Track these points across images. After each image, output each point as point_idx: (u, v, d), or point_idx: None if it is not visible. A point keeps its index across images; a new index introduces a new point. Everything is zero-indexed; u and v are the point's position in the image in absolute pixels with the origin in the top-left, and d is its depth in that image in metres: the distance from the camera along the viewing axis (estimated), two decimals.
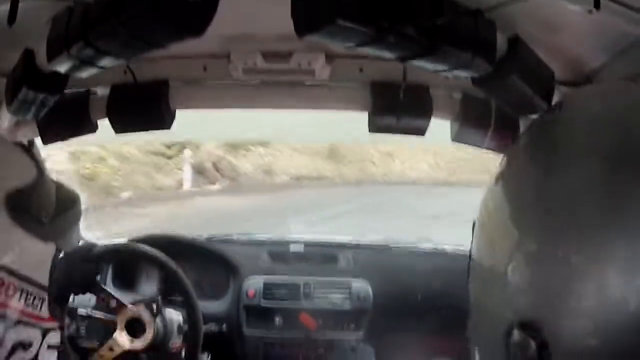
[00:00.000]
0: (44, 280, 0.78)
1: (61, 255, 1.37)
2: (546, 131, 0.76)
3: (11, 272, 0.72)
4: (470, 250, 0.90)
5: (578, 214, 0.65)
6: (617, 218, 0.61)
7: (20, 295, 0.73)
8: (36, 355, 0.74)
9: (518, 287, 0.70)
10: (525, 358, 0.65)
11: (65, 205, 0.99)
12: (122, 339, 1.50)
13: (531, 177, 0.75)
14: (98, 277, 1.61)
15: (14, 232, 0.77)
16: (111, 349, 1.51)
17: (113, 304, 1.52)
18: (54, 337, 0.77)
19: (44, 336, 0.75)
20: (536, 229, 0.70)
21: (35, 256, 0.78)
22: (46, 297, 0.77)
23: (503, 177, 0.81)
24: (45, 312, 0.75)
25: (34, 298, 0.74)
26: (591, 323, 0.61)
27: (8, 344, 0.70)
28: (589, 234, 0.63)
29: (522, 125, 1.19)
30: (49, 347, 0.76)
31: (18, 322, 0.71)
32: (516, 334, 0.66)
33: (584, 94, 0.84)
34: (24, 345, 0.72)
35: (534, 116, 0.87)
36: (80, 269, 1.54)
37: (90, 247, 1.64)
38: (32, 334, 0.73)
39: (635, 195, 0.60)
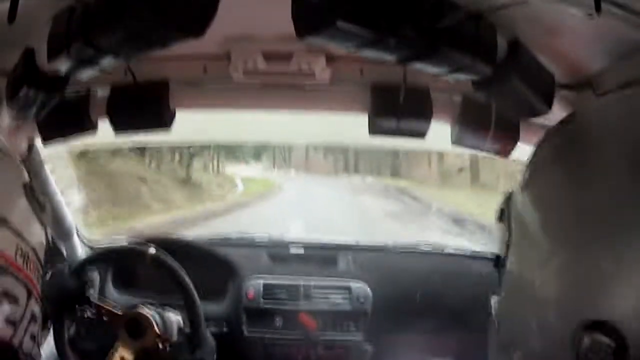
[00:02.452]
0: (32, 239, 0.78)
1: (49, 274, 1.37)
2: (573, 139, 0.77)
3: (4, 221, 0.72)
4: (497, 257, 0.89)
5: (609, 221, 0.65)
6: None
7: (16, 249, 0.73)
8: (22, 315, 0.73)
9: (577, 289, 0.69)
10: None
11: None
12: (129, 347, 1.48)
13: (561, 187, 0.75)
14: (91, 291, 1.59)
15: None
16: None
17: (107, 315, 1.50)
18: (36, 306, 0.76)
19: (28, 298, 0.74)
20: (570, 238, 0.70)
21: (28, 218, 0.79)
22: (31, 255, 0.76)
23: (529, 186, 0.81)
24: (28, 271, 0.75)
25: (23, 252, 0.74)
26: None
27: None
28: (622, 241, 0.63)
29: (522, 128, 1.19)
30: (32, 317, 0.75)
31: (6, 271, 0.70)
32: (587, 338, 0.65)
33: (610, 101, 0.84)
34: (13, 298, 0.71)
35: (556, 123, 0.87)
36: (69, 286, 1.52)
37: (77, 263, 1.62)
38: (18, 290, 0.72)
39: None
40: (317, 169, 18.94)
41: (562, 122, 0.83)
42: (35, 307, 0.76)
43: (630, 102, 0.74)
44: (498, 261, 0.88)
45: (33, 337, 0.75)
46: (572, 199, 0.72)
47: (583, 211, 0.69)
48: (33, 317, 0.75)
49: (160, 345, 1.49)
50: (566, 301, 0.69)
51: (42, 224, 0.82)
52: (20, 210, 0.76)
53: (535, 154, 0.84)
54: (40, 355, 0.78)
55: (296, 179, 17.40)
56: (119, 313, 1.51)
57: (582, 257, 0.67)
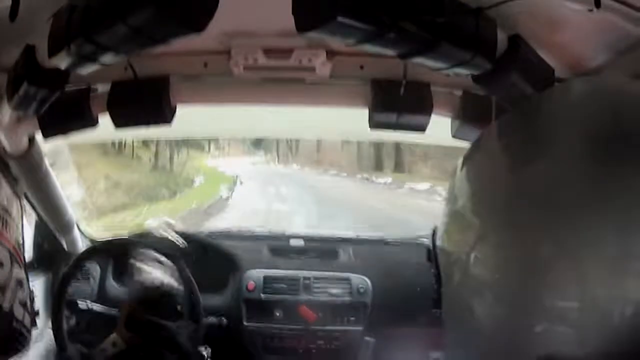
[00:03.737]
0: (7, 205, 0.79)
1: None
2: (525, 119, 0.75)
3: None
4: (432, 238, 0.88)
5: (555, 204, 0.62)
6: (600, 207, 0.58)
7: None
8: (9, 278, 0.74)
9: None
10: None
11: None
12: (124, 335, 1.50)
13: (502, 165, 0.73)
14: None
15: None
16: (114, 344, 1.52)
17: None
18: (20, 273, 0.77)
19: (11, 263, 0.75)
20: (507, 217, 0.67)
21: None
22: (9, 220, 0.77)
23: (471, 163, 0.80)
24: (8, 235, 0.76)
25: (5, 222, 0.75)
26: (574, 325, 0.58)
27: None
28: (566, 225, 0.60)
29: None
30: (18, 282, 0.76)
31: None
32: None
33: (566, 86, 0.83)
34: None
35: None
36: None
37: (78, 255, 1.64)
38: (1, 255, 0.73)
39: (618, 184, 0.58)
40: (330, 163, 16.62)
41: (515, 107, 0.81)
42: (20, 274, 0.76)
43: (585, 89, 0.73)
44: (433, 239, 0.87)
45: (23, 305, 0.76)
46: (513, 177, 0.69)
47: (524, 191, 0.66)
48: (20, 284, 0.75)
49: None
50: (501, 284, 0.66)
51: (16, 192, 0.83)
52: None
53: (482, 133, 0.82)
54: (34, 324, 0.79)
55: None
56: (114, 313, 1.53)
57: (517, 240, 0.65)
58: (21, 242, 0.81)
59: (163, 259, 1.64)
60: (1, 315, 0.72)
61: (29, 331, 0.78)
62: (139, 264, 1.54)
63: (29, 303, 0.78)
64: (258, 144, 18.50)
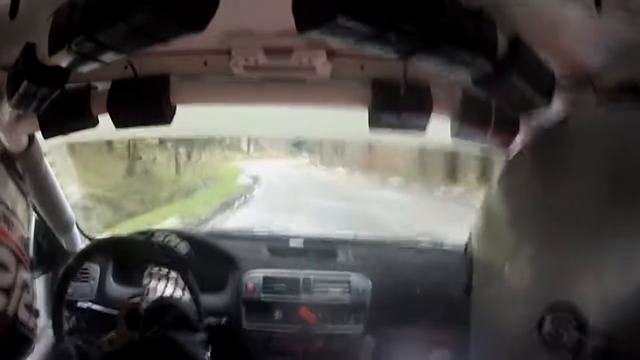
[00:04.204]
0: (13, 205, 0.78)
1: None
2: (552, 142, 0.80)
3: None
4: (466, 249, 0.93)
5: (581, 220, 0.73)
6: (614, 229, 0.69)
7: None
8: (14, 283, 0.73)
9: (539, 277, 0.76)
10: (563, 340, 0.71)
11: None
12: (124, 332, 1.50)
13: (535, 185, 0.80)
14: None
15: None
16: (110, 342, 1.52)
17: None
18: (26, 275, 0.77)
19: (17, 265, 0.74)
20: (539, 231, 0.75)
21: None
22: (14, 220, 0.77)
23: (505, 182, 0.84)
24: (14, 236, 0.75)
25: (5, 217, 0.74)
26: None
27: None
28: (590, 239, 0.71)
29: (522, 124, 1.19)
30: (24, 285, 0.75)
31: None
32: (549, 319, 0.72)
33: (593, 111, 0.87)
34: (2, 266, 0.71)
35: (538, 124, 0.90)
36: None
37: (77, 253, 1.62)
38: (6, 257, 0.72)
39: (630, 213, 0.68)
40: (386, 168, 13.07)
41: (548, 125, 0.86)
42: (26, 276, 0.76)
43: (617, 118, 0.79)
44: (466, 250, 0.93)
45: (28, 307, 0.75)
46: (544, 196, 0.79)
47: (553, 208, 0.76)
48: (25, 286, 0.75)
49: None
50: (534, 288, 0.75)
51: (22, 191, 0.83)
52: (0, 180, 0.77)
53: (515, 151, 0.87)
54: (37, 326, 0.79)
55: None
56: (114, 312, 1.53)
57: (550, 249, 0.74)
58: (28, 242, 0.81)
59: (164, 259, 1.64)
60: (5, 320, 0.71)
61: (34, 333, 0.78)
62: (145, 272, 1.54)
63: (33, 304, 0.78)
64: (299, 144, 17.11)
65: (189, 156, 12.67)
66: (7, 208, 0.75)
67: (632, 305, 0.65)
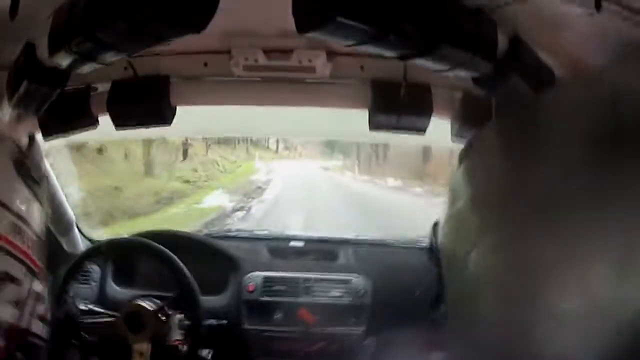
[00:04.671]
0: (28, 215, 0.78)
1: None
2: (522, 119, 0.75)
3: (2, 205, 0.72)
4: (432, 238, 0.88)
5: (555, 201, 0.62)
6: (596, 206, 0.58)
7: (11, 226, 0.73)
8: (27, 295, 0.73)
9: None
10: None
11: None
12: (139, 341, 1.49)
13: (502, 163, 0.73)
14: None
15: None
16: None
17: None
18: (39, 286, 0.76)
19: (30, 277, 0.74)
20: (505, 216, 0.67)
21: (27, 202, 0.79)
22: (28, 231, 0.76)
23: (468, 159, 0.79)
24: (26, 247, 0.75)
25: (18, 229, 0.74)
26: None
27: None
28: (563, 223, 0.60)
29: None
30: (37, 297, 0.75)
31: (7, 253, 0.70)
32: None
33: (569, 87, 0.83)
34: (13, 279, 0.71)
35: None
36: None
37: (77, 257, 1.63)
38: (17, 269, 0.72)
39: (614, 183, 0.58)
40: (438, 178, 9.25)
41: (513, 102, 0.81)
42: (39, 286, 0.75)
43: (587, 90, 0.73)
44: (433, 237, 0.86)
45: (41, 318, 0.75)
46: (514, 176, 0.69)
47: (523, 190, 0.66)
48: (38, 297, 0.75)
49: (161, 340, 1.50)
50: (502, 283, 0.66)
51: (38, 199, 0.82)
52: (13, 186, 0.76)
53: (480, 130, 0.82)
54: (50, 335, 0.78)
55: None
56: (115, 315, 1.52)
57: (519, 238, 0.65)
58: (42, 248, 0.80)
59: (165, 258, 1.64)
60: (17, 333, 0.71)
61: (46, 342, 0.77)
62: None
63: (46, 314, 0.77)
64: (331, 144, 14.48)
65: (185, 154, 11.00)
66: (19, 216, 0.75)
67: (620, 315, 0.57)
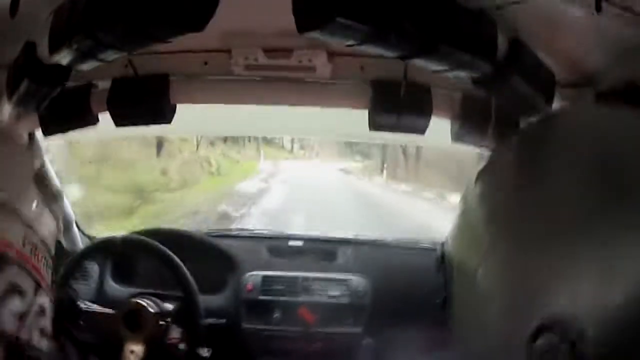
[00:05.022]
0: (42, 229, 0.78)
1: None
2: (537, 139, 0.77)
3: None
4: (443, 248, 0.90)
5: (559, 221, 0.66)
6: (594, 228, 0.63)
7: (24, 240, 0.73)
8: (30, 308, 0.73)
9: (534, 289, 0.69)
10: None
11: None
12: (134, 339, 1.49)
13: (515, 183, 0.75)
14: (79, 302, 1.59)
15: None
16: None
17: None
18: (44, 299, 0.77)
19: (36, 290, 0.74)
20: (515, 232, 0.70)
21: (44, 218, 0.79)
22: (40, 245, 0.76)
23: (484, 178, 0.81)
24: (36, 261, 0.75)
25: (31, 243, 0.74)
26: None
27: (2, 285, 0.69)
28: (566, 241, 0.65)
29: (522, 125, 1.19)
30: (41, 310, 0.75)
31: (12, 262, 0.71)
32: (542, 338, 0.66)
33: (574, 111, 0.85)
34: (19, 291, 0.71)
35: (527, 121, 0.87)
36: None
37: (75, 255, 1.62)
38: (25, 282, 0.72)
39: (611, 213, 0.62)
40: None
41: (529, 124, 0.83)
42: (44, 300, 0.75)
43: (600, 117, 0.75)
44: (442, 248, 0.88)
45: (42, 331, 0.75)
46: (524, 195, 0.73)
47: (532, 208, 0.70)
48: (42, 311, 0.75)
49: (159, 338, 1.50)
50: (512, 296, 0.69)
51: (54, 213, 0.82)
52: (30, 200, 0.77)
53: (496, 149, 0.84)
54: (50, 348, 0.79)
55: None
56: (113, 312, 1.52)
57: (528, 252, 0.68)
58: (51, 261, 0.80)
59: (163, 257, 1.64)
60: (17, 345, 0.71)
61: (45, 353, 0.78)
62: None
63: (48, 327, 0.77)
64: (350, 144, 13.25)
65: (159, 149, 8.94)
66: (33, 229, 0.75)
67: (616, 313, 0.60)
